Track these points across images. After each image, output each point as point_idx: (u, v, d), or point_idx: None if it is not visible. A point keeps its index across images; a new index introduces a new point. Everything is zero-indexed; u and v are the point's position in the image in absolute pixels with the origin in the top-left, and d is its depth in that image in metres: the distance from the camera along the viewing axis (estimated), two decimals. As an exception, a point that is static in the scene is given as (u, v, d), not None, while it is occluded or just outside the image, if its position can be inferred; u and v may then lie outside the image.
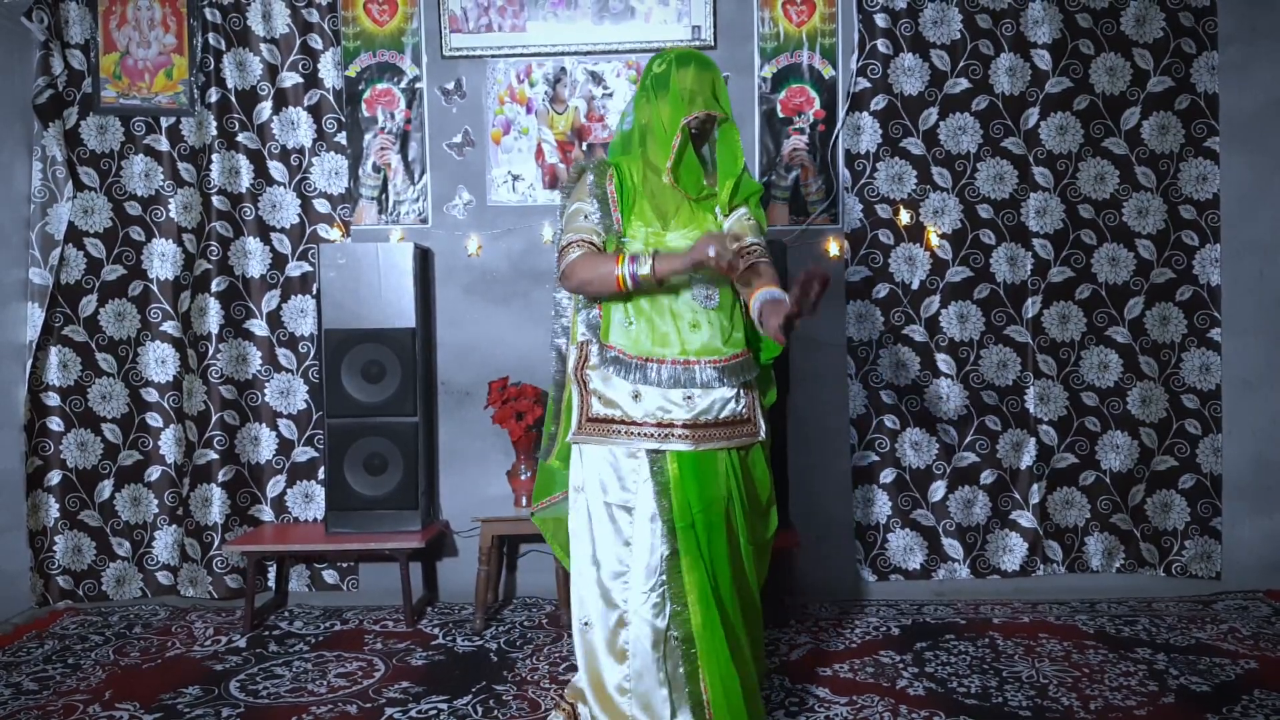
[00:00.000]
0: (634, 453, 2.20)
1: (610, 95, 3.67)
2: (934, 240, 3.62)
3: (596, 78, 3.69)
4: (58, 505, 3.67)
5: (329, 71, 3.71)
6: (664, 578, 2.18)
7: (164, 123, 3.69)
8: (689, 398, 2.18)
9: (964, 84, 3.60)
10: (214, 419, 3.68)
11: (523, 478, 3.47)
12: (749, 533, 2.28)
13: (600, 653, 2.23)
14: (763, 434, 2.31)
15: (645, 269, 2.11)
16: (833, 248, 3.65)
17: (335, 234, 3.71)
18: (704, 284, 2.20)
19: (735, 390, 2.23)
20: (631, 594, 2.20)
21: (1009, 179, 3.61)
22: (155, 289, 3.70)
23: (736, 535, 2.25)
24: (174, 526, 3.69)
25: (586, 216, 2.25)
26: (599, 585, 2.22)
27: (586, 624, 2.25)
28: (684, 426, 2.17)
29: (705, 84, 2.21)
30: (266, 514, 3.75)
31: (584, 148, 3.69)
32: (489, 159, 3.72)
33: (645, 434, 2.18)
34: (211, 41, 3.66)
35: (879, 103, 3.61)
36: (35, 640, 3.33)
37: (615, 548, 2.22)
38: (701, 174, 2.25)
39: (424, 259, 3.65)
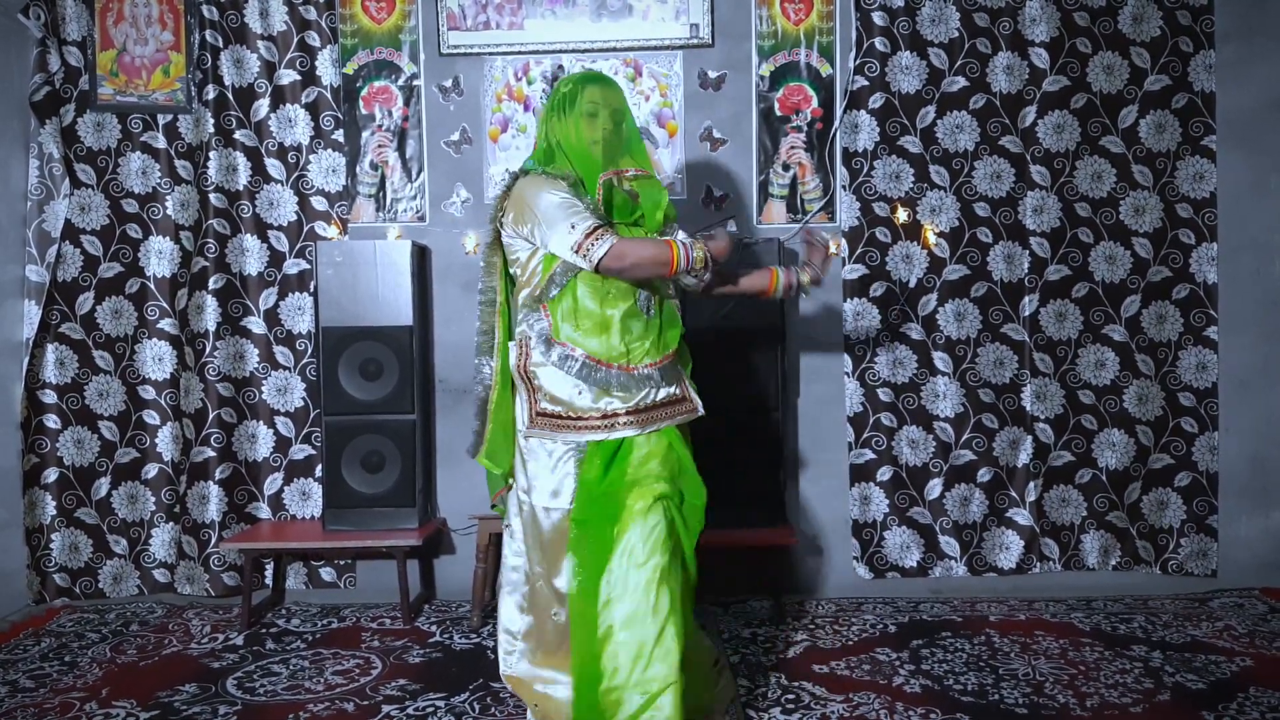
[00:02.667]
0: (564, 456, 2.24)
1: (608, 93, 3.67)
2: (931, 238, 3.62)
3: (594, 75, 3.68)
4: (54, 503, 3.67)
5: (326, 69, 3.70)
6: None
7: (161, 120, 3.69)
8: (629, 393, 2.26)
9: (961, 82, 3.60)
10: (211, 416, 3.68)
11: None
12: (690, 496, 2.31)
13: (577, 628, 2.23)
14: (700, 409, 2.38)
15: (701, 253, 2.25)
16: (830, 246, 3.65)
17: (333, 231, 3.71)
18: (646, 296, 2.29)
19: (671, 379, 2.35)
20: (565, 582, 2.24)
21: (1006, 177, 3.61)
22: (152, 286, 3.69)
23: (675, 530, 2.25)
24: (171, 524, 3.69)
25: (584, 205, 2.21)
26: (548, 583, 2.27)
27: (556, 614, 2.27)
28: (628, 414, 2.24)
29: (616, 120, 2.30)
30: (264, 512, 3.75)
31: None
32: (486, 157, 3.72)
33: (591, 426, 2.23)
34: (209, 39, 3.66)
35: (877, 101, 3.61)
36: (32, 638, 3.33)
37: (542, 551, 2.27)
38: (626, 200, 2.31)
39: (421, 257, 3.64)
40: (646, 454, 2.25)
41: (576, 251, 2.17)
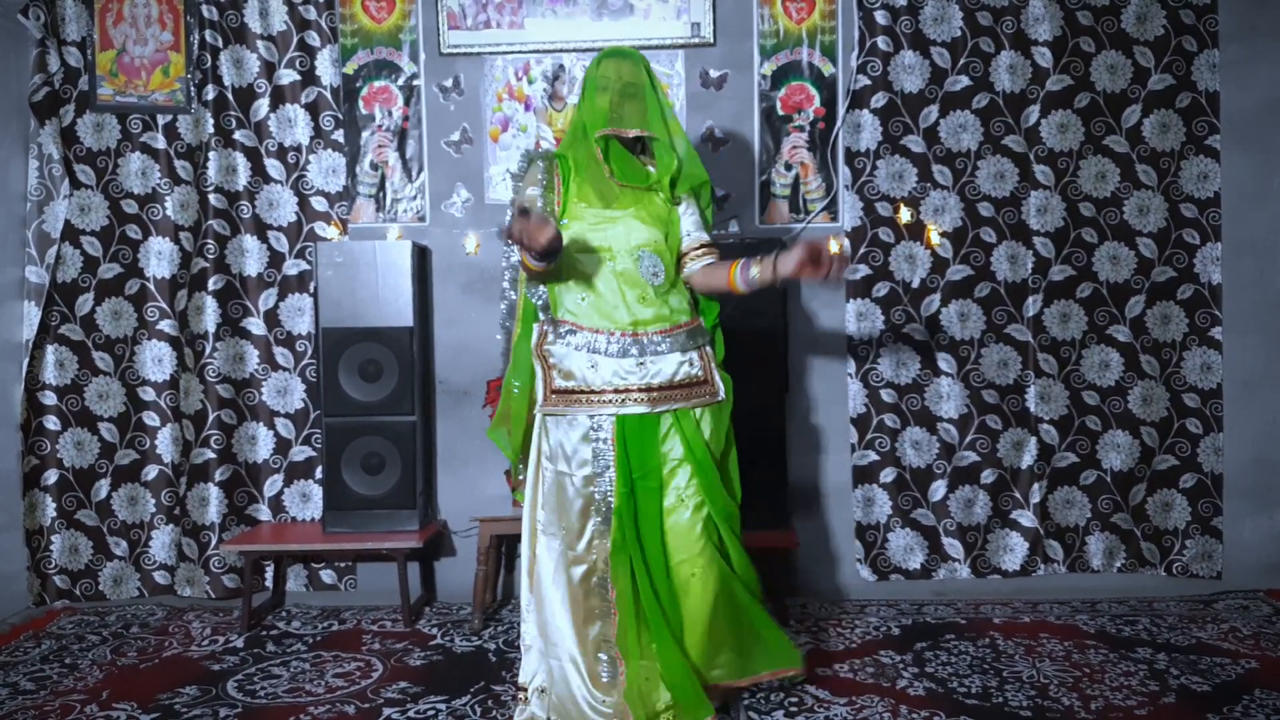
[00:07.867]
0: (579, 423, 2.35)
1: (609, 93, 3.66)
2: (934, 238, 3.60)
3: (595, 75, 3.67)
4: (54, 505, 3.66)
5: (326, 69, 3.69)
6: (595, 548, 2.36)
7: (160, 120, 3.68)
8: (641, 364, 2.33)
9: (964, 81, 3.58)
10: (211, 418, 3.67)
11: (521, 477, 3.45)
12: (717, 501, 2.37)
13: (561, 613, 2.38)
14: (722, 394, 2.43)
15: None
16: (832, 246, 3.63)
17: (333, 232, 3.69)
18: (652, 261, 2.36)
19: (688, 355, 2.39)
20: (573, 554, 2.38)
21: (1010, 177, 3.60)
22: (152, 287, 3.68)
23: (692, 505, 2.37)
24: (171, 526, 3.68)
25: (525, 183, 2.43)
26: (551, 551, 2.40)
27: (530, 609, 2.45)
28: (640, 390, 2.32)
29: (628, 94, 2.37)
30: (264, 513, 3.74)
31: (583, 145, 3.67)
32: (487, 157, 3.71)
33: (604, 400, 2.33)
34: (208, 39, 3.65)
35: (879, 100, 3.59)
36: (32, 640, 3.32)
37: (565, 516, 2.38)
38: (636, 165, 2.43)
39: (422, 257, 3.63)
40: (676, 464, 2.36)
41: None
